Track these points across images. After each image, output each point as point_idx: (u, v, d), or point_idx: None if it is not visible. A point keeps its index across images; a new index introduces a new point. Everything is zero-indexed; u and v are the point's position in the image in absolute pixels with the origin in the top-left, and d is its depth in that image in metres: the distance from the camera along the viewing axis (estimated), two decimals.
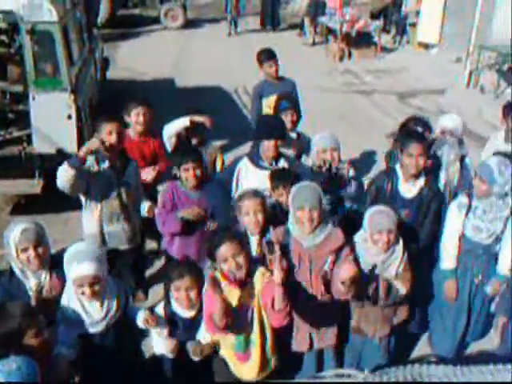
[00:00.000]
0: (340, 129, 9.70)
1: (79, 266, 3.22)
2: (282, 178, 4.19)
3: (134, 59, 15.01)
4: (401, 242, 3.90)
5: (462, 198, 4.36)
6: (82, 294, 3.28)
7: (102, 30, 16.64)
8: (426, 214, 4.38)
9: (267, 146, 4.50)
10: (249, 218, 3.85)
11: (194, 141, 5.19)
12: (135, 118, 5.20)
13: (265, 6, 19.85)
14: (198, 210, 4.35)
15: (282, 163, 4.60)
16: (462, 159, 5.11)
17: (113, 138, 4.42)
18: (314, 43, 17.63)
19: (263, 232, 3.86)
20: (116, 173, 4.54)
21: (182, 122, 5.17)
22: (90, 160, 4.37)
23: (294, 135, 5.39)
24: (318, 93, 12.19)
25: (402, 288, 3.87)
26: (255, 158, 4.61)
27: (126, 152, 4.79)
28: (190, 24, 20.27)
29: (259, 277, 3.42)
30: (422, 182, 4.39)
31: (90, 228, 4.61)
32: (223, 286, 3.26)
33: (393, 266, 3.89)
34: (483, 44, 12.90)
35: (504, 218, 4.22)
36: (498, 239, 4.25)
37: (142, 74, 13.43)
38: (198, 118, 5.19)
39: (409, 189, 4.39)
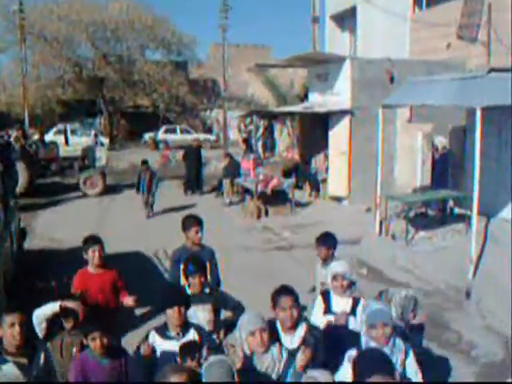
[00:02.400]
0: (262, 287, 9.78)
1: None
2: (189, 350, 4.18)
3: (53, 228, 14.91)
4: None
5: (351, 352, 4.28)
6: None
7: (21, 199, 16.66)
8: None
9: (171, 315, 4.57)
10: None
11: (68, 325, 5.11)
12: (92, 254, 5.95)
13: (189, 173, 20.51)
14: None
15: (192, 333, 4.62)
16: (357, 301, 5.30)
17: (15, 331, 4.21)
18: (231, 203, 18.27)
19: None
20: (22, 370, 4.25)
21: (52, 308, 5.15)
22: None
23: (207, 290, 5.47)
24: (239, 252, 12.45)
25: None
26: (161, 330, 4.64)
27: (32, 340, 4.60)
28: (109, 190, 20.59)
29: None
30: (302, 331, 4.49)
31: None
32: None
33: None
34: (389, 194, 13.82)
35: (400, 360, 4.23)
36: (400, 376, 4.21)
37: (62, 242, 13.28)
38: (68, 304, 5.19)
39: (290, 340, 4.46)
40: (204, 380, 3.65)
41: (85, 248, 6.04)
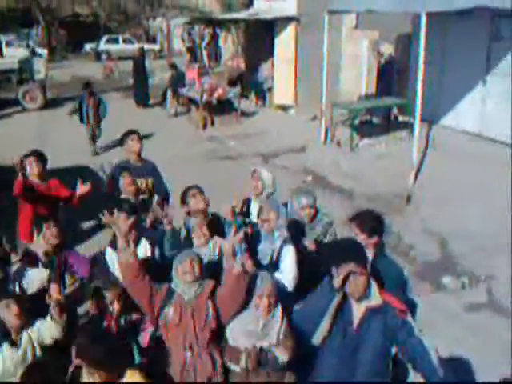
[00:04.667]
0: (212, 197, 9.85)
1: None
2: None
3: None
4: (280, 306, 3.92)
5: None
6: None
7: None
8: None
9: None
10: None
11: None
12: (29, 165, 6.06)
13: (137, 85, 19.66)
14: None
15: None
16: None
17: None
18: (176, 114, 17.95)
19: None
20: None
21: None
22: None
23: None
24: (186, 162, 12.36)
25: (282, 356, 3.82)
26: (114, 244, 4.76)
27: None
28: (50, 103, 19.90)
29: None
30: None
31: None
32: None
33: (273, 332, 3.88)
34: (334, 102, 13.85)
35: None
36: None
37: (2, 158, 12.89)
38: None
39: None
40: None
41: (23, 160, 6.09)
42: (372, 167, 11.65)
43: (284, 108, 16.97)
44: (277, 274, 4.44)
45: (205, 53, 25.28)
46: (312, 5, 15.42)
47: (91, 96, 13.59)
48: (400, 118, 14.09)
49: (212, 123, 16.21)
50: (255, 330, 3.88)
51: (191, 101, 17.20)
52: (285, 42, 16.62)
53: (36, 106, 19.23)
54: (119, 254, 3.88)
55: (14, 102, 19.40)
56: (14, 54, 23.38)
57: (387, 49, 17.46)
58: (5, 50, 23.55)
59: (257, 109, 17.82)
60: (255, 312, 3.89)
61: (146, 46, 30.84)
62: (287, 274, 4.51)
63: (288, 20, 16.21)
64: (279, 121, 15.99)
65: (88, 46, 38.81)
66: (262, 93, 18.02)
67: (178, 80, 18.03)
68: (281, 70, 16.87)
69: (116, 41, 38.11)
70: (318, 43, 13.88)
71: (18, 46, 29.22)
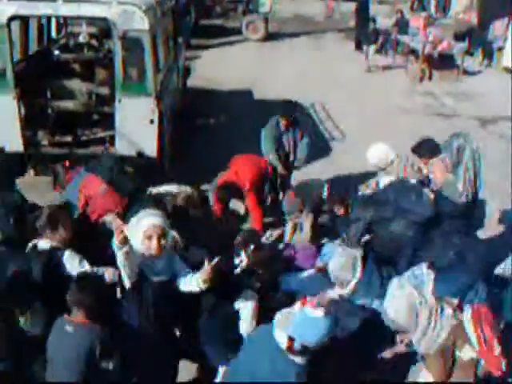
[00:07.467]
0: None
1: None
2: None
3: (214, 69, 15.20)
4: None
5: None
6: None
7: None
8: None
9: None
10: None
11: None
12: None
13: (360, 28, 18.50)
14: None
15: None
16: None
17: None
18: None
19: None
20: None
21: None
22: None
23: None
24: (398, 114, 12.00)
25: None
26: None
27: None
28: (270, 37, 20.39)
29: None
30: None
31: None
32: None
33: None
34: None
35: None
36: None
37: (221, 84, 13.57)
38: None
39: None
40: None
41: None
42: None
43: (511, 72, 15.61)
44: None
45: (433, 2, 23.91)
46: None
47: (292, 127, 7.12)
48: None
49: (430, 77, 15.43)
50: None
51: (411, 51, 16.48)
52: None
53: (257, 38, 19.82)
54: None
55: (238, 31, 20.21)
56: None
57: None
58: None
59: (481, 68, 16.68)
60: None
61: None
62: None
63: None
64: (504, 85, 14.71)
65: None
66: (490, 52, 16.75)
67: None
68: None
69: None
70: None
71: None
